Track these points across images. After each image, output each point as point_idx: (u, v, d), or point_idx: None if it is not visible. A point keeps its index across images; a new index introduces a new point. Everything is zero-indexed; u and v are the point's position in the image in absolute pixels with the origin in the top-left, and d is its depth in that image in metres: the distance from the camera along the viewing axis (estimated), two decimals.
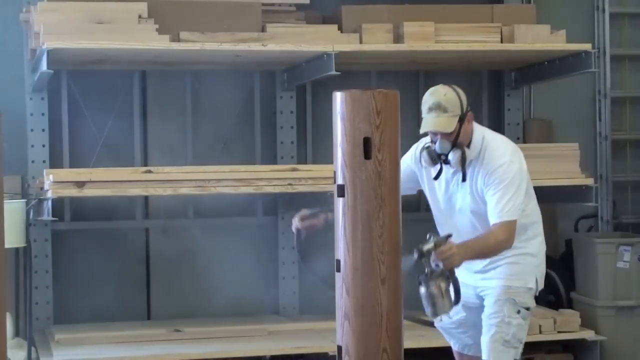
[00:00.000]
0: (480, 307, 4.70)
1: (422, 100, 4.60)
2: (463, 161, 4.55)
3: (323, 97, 7.16)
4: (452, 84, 4.66)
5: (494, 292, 4.64)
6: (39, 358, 6.13)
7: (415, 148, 4.75)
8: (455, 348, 4.96)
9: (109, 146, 6.93)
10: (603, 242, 6.99)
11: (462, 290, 4.33)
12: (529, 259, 4.68)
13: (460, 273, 4.42)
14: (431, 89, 4.63)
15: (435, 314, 4.30)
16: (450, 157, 4.55)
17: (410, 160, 4.75)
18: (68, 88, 6.82)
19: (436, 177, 4.67)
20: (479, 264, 4.66)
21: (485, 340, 4.64)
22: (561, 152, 6.80)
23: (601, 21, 7.75)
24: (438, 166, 4.63)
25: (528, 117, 7.74)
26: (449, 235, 4.29)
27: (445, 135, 4.54)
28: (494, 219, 4.46)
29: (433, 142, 4.58)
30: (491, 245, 4.46)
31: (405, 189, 4.51)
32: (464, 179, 4.59)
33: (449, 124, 4.52)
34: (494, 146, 4.61)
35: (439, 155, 4.57)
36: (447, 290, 4.23)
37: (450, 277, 4.23)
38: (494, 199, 4.46)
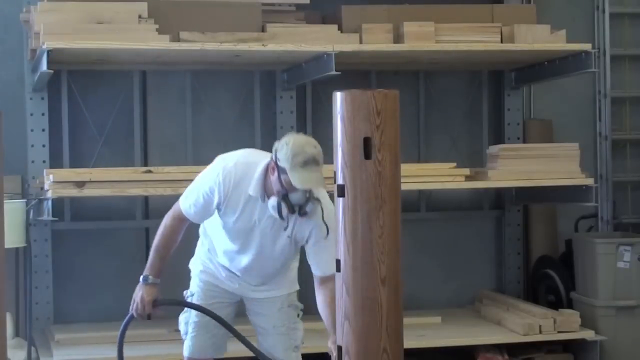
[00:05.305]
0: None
1: (287, 150, 4.41)
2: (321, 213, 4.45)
3: (323, 97, 7.16)
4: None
5: (276, 301, 4.80)
6: (39, 358, 6.13)
7: (230, 176, 4.73)
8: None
9: (109, 146, 6.93)
10: (603, 242, 6.99)
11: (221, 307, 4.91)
12: (295, 263, 4.86)
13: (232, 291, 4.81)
14: (299, 139, 4.44)
15: None
16: (308, 208, 4.43)
17: (223, 190, 4.63)
18: (68, 88, 6.82)
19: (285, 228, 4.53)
20: (256, 279, 4.79)
21: (277, 352, 4.79)
22: (561, 152, 6.80)
23: (601, 21, 7.75)
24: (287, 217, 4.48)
25: (528, 117, 7.73)
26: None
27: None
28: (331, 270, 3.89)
29: (284, 191, 4.39)
30: None
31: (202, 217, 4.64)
32: (328, 232, 4.44)
33: (323, 178, 4.35)
34: (323, 194, 4.53)
35: (293, 206, 4.42)
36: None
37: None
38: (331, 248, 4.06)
